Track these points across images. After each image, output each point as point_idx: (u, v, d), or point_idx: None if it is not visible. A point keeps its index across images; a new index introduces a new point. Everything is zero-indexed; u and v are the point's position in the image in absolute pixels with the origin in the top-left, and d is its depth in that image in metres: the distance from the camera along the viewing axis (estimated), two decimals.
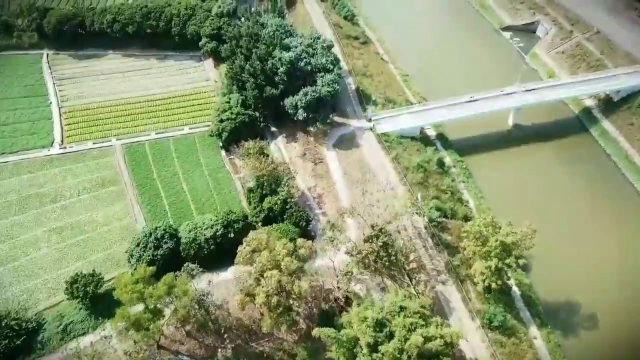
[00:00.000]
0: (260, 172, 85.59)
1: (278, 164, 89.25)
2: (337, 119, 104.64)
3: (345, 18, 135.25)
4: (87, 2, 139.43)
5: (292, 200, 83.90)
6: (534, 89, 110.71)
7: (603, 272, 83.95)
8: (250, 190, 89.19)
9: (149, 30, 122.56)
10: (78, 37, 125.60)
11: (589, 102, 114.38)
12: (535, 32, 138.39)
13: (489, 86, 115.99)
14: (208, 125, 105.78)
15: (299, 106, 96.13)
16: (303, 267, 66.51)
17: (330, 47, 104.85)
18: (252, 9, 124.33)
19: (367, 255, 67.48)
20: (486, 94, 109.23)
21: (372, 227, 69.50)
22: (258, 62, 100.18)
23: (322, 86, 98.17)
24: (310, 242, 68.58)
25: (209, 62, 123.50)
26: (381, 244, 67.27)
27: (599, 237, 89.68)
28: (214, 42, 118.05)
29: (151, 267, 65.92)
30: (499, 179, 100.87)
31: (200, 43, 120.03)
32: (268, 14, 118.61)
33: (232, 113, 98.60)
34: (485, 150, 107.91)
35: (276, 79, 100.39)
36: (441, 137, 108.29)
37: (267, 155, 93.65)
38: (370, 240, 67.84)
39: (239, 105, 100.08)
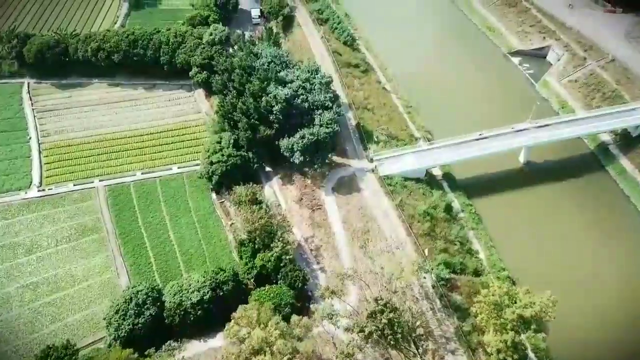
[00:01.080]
0: (252, 225, 79.05)
1: (272, 215, 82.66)
2: (336, 158, 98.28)
3: (345, 43, 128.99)
4: (71, 28, 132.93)
5: (287, 257, 77.33)
6: (547, 125, 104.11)
7: (623, 327, 77.61)
8: (241, 244, 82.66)
9: (135, 59, 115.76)
10: (61, 65, 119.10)
11: (606, 137, 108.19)
12: (546, 58, 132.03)
13: (497, 117, 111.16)
14: (198, 164, 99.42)
15: (295, 149, 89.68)
16: (297, 348, 59.93)
17: (329, 83, 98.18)
18: (247, 36, 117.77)
19: (370, 333, 60.86)
20: (496, 131, 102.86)
21: (377, 300, 62.88)
22: (251, 100, 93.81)
23: (321, 126, 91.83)
24: (306, 319, 61.99)
25: (200, 92, 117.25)
26: (386, 320, 60.67)
27: (621, 289, 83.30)
28: (205, 72, 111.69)
29: (127, 350, 59.23)
30: (511, 225, 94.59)
31: (190, 73, 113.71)
32: (263, 42, 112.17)
33: (223, 155, 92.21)
34: (495, 190, 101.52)
35: (271, 117, 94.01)
36: (448, 176, 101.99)
37: (261, 203, 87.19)
38: (374, 317, 61.25)
39: (230, 145, 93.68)
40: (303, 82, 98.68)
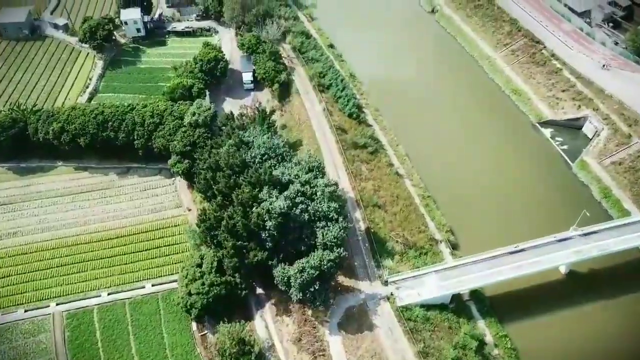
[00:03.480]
0: None
1: None
2: (343, 280, 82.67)
3: (350, 116, 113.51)
4: (36, 93, 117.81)
5: None
6: (595, 232, 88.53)
7: None
8: None
9: (106, 142, 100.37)
10: (19, 146, 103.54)
11: None
12: (581, 130, 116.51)
13: (530, 209, 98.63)
14: (176, 280, 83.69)
15: (292, 284, 73.85)
16: None
17: (334, 191, 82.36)
18: (239, 111, 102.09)
19: None
20: (534, 242, 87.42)
21: None
22: (240, 211, 78.11)
23: (324, 249, 76.10)
24: None
25: (182, 180, 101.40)
26: None
27: None
28: (186, 161, 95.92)
29: None
30: None
31: (169, 161, 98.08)
32: (255, 125, 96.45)
33: (204, 284, 76.37)
34: (532, 312, 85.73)
35: (263, 235, 78.18)
36: (477, 296, 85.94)
37: (250, 354, 71.27)
38: None
39: (213, 270, 77.95)
40: (303, 186, 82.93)
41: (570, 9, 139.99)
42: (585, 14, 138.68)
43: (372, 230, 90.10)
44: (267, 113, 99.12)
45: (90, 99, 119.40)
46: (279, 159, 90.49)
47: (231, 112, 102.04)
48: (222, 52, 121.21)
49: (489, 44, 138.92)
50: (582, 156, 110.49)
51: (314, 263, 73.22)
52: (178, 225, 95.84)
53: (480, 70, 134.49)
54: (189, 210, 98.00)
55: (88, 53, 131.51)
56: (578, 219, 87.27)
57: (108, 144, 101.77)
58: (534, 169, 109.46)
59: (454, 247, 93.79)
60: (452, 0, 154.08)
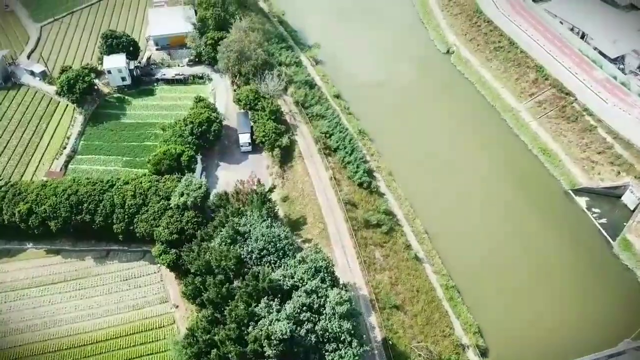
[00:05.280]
0: None
1: None
2: None
3: (360, 185, 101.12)
4: (5, 157, 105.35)
5: None
6: None
7: None
8: None
9: (80, 226, 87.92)
10: None
11: None
12: (620, 199, 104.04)
13: (564, 299, 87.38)
14: None
15: None
16: None
17: (347, 308, 69.53)
18: (231, 192, 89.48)
19: None
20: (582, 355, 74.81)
21: None
22: (233, 343, 65.27)
23: None
24: None
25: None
26: None
27: None
28: (173, 251, 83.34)
29: None
30: None
31: (153, 251, 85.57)
32: (253, 209, 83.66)
33: None
34: None
35: None
36: None
37: None
38: None
39: None
40: (309, 295, 70.31)
41: (601, 53, 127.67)
42: (618, 60, 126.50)
43: (391, 342, 77.36)
44: (266, 196, 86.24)
45: (67, 163, 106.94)
46: (280, 254, 77.92)
47: (225, 193, 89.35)
48: (216, 110, 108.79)
49: (512, 93, 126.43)
50: (624, 233, 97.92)
51: None
52: (164, 326, 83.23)
53: (504, 125, 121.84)
54: (176, 307, 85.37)
55: (67, 105, 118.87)
56: (634, 334, 74.76)
57: (84, 227, 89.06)
58: (569, 248, 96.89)
59: (483, 353, 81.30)
60: (469, 40, 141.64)
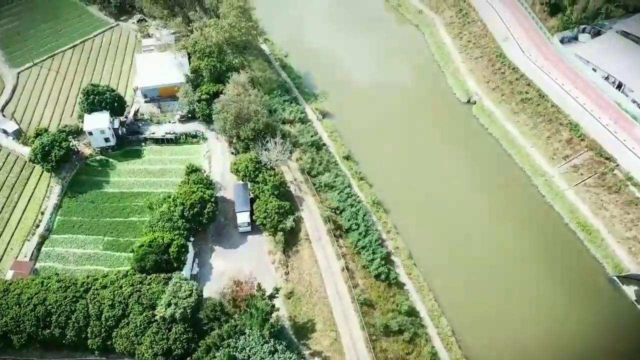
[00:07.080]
0: None
1: None
2: None
3: (377, 277, 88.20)
4: None
5: None
6: None
7: None
8: None
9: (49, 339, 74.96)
10: None
11: None
12: None
13: None
14: None
15: None
16: None
17: None
18: (227, 298, 76.56)
19: None
20: None
21: None
22: None
23: None
24: None
25: None
26: None
27: None
28: None
29: None
30: None
31: None
32: (252, 327, 70.66)
33: None
34: None
35: None
36: None
37: None
38: None
39: None
40: None
41: None
42: None
43: None
44: (268, 313, 73.06)
45: (40, 245, 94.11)
46: None
47: (220, 303, 76.34)
48: (210, 185, 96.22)
49: (544, 154, 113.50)
50: None
51: None
52: None
53: (535, 192, 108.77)
54: None
55: (43, 171, 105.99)
56: None
57: (54, 341, 76.18)
58: (614, 348, 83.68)
59: None
60: (493, 88, 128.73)
